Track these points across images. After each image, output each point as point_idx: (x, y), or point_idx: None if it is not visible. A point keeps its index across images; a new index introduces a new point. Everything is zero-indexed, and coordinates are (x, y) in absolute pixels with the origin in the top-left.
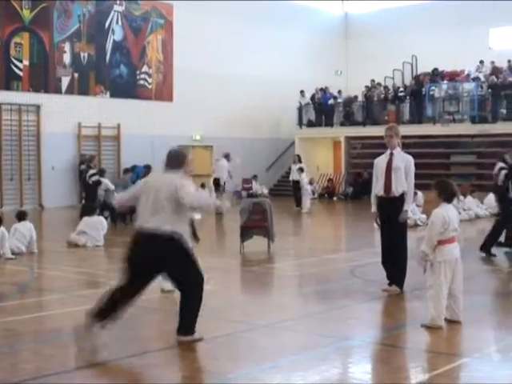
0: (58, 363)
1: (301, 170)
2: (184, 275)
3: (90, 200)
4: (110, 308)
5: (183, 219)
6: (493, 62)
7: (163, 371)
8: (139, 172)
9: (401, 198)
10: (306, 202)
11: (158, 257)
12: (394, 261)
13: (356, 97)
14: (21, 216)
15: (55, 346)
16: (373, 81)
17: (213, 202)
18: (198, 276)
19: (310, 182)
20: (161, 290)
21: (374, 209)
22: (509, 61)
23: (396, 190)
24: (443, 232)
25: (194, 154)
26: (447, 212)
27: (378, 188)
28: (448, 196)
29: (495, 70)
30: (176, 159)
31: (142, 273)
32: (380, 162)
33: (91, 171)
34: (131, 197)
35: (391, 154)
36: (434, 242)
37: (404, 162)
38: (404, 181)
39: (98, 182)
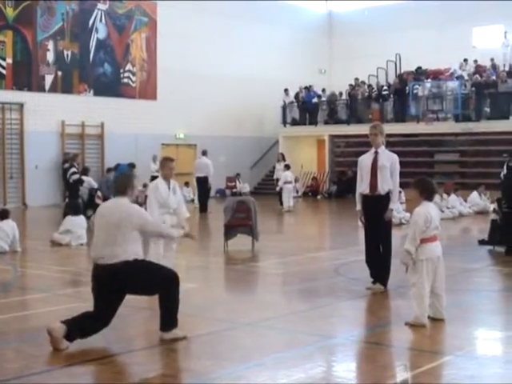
0: (41, 362)
1: (287, 167)
2: (148, 286)
3: (72, 198)
4: (79, 330)
5: (134, 240)
6: (476, 61)
7: (147, 370)
8: (122, 170)
9: (386, 197)
10: (286, 200)
11: (118, 286)
12: (379, 259)
13: (341, 93)
14: (3, 214)
15: (39, 345)
16: (357, 79)
17: (166, 232)
18: (163, 279)
19: (295, 180)
20: None
21: (358, 207)
22: (492, 59)
23: (382, 188)
24: (425, 230)
25: (178, 152)
26: (429, 210)
27: (363, 186)
28: (429, 194)
29: (478, 69)
30: (122, 185)
31: (109, 299)
32: (365, 161)
33: (72, 169)
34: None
35: (376, 153)
36: (418, 241)
37: (389, 160)
38: (389, 179)
39: (79, 181)
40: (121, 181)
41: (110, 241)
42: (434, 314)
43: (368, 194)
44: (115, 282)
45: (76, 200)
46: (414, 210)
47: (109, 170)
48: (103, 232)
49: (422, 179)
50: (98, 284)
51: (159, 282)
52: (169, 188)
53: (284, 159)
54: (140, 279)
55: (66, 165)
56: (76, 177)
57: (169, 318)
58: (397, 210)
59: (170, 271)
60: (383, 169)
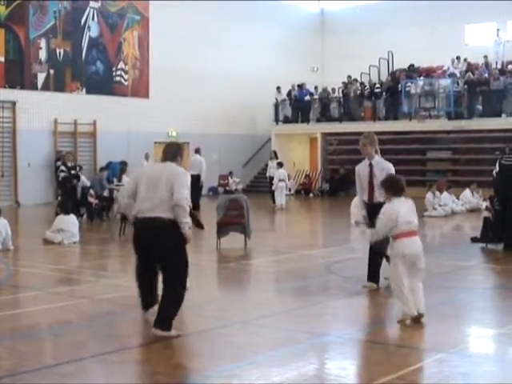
0: (33, 360)
1: (280, 164)
2: (172, 262)
3: (63, 197)
4: (144, 291)
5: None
6: (465, 59)
7: (139, 368)
8: (115, 168)
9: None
10: (279, 198)
11: (156, 241)
12: (375, 262)
13: (334, 90)
14: None
15: (31, 343)
16: (349, 77)
17: (187, 227)
18: (182, 269)
19: (288, 178)
20: None
21: (364, 213)
22: (485, 56)
23: (379, 197)
24: (395, 226)
25: None
26: (395, 207)
27: (364, 195)
28: (396, 191)
29: (470, 67)
30: (173, 151)
31: (147, 256)
32: (362, 171)
33: (61, 167)
34: (130, 194)
35: (370, 165)
36: (380, 236)
37: (384, 172)
38: None
39: (66, 179)
40: (172, 148)
41: (157, 197)
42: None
43: (367, 202)
44: (156, 234)
45: (67, 198)
46: (383, 207)
47: (101, 169)
48: (151, 189)
49: (388, 177)
50: (139, 238)
51: (178, 268)
52: None
53: (277, 157)
54: (173, 249)
55: (59, 163)
56: (63, 175)
57: (166, 317)
58: None
59: (186, 279)
60: (377, 182)
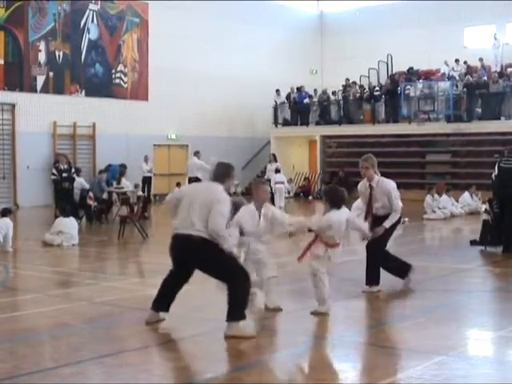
0: (32, 363)
1: (277, 170)
2: (217, 269)
3: (56, 199)
4: (165, 293)
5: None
6: (466, 62)
7: (138, 370)
8: (114, 171)
9: (386, 216)
10: (277, 200)
11: (190, 256)
12: (371, 263)
13: (334, 92)
14: (4, 212)
15: (30, 346)
16: (347, 80)
17: (227, 243)
18: (234, 270)
19: (288, 181)
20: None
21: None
22: (481, 59)
23: (377, 213)
24: (333, 236)
25: (170, 153)
26: (336, 217)
27: (367, 212)
28: (335, 202)
29: (469, 69)
30: (222, 173)
31: (181, 265)
32: (363, 192)
33: (52, 170)
34: (176, 199)
35: (370, 187)
36: (305, 230)
37: (384, 194)
38: (387, 206)
39: (56, 182)
40: (222, 169)
41: (194, 215)
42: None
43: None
44: (189, 251)
45: (60, 201)
46: (324, 216)
47: (100, 171)
48: (191, 206)
49: (330, 189)
50: (174, 251)
51: (227, 270)
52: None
53: (276, 160)
54: (212, 259)
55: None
56: (53, 178)
57: (233, 311)
58: None
59: (243, 269)
60: (377, 203)
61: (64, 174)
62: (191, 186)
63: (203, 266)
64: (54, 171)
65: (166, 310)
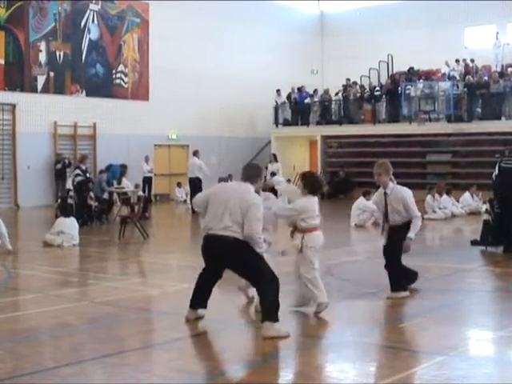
0: (33, 362)
1: (273, 174)
2: (247, 269)
3: (79, 201)
4: (199, 290)
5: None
6: (464, 60)
7: (138, 371)
8: (115, 171)
9: (401, 225)
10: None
11: (222, 257)
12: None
13: (337, 93)
14: None
15: (31, 346)
16: (348, 80)
17: (261, 247)
18: (263, 271)
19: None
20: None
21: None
22: (472, 60)
23: (394, 221)
24: (307, 219)
25: (170, 153)
26: (311, 202)
27: (381, 219)
28: (313, 190)
29: (468, 69)
30: (253, 173)
31: (213, 265)
32: (379, 200)
33: (77, 171)
34: (204, 200)
35: (385, 194)
36: (283, 216)
37: (400, 201)
38: (402, 214)
39: (82, 183)
40: (252, 169)
41: (226, 216)
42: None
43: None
44: (223, 252)
45: (81, 203)
46: (297, 200)
47: (101, 171)
48: (222, 208)
49: (309, 175)
50: (207, 250)
51: (257, 272)
52: None
53: (276, 160)
54: (244, 260)
55: (59, 165)
56: (79, 179)
57: (267, 311)
58: None
59: (271, 271)
60: (395, 211)
61: (88, 175)
62: (221, 185)
63: (235, 266)
64: (79, 172)
65: (204, 306)
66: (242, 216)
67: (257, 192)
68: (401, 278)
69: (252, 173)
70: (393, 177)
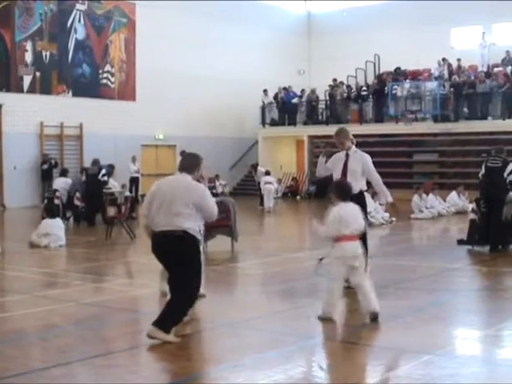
0: (21, 364)
1: (267, 172)
2: (184, 271)
3: (97, 200)
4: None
5: (190, 216)
6: (446, 60)
7: (126, 372)
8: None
9: (358, 195)
10: (268, 201)
11: (171, 253)
12: None
13: (326, 94)
14: None
15: (18, 347)
16: (335, 80)
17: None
18: (193, 279)
19: (279, 182)
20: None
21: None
22: (458, 60)
23: (353, 189)
24: (339, 229)
25: (157, 153)
26: (339, 210)
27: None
28: (343, 196)
29: (453, 69)
30: (189, 164)
31: (165, 262)
32: (337, 160)
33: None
34: (148, 203)
35: (347, 155)
36: (331, 235)
37: (361, 163)
38: (360, 180)
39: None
40: (190, 159)
41: (171, 210)
42: (366, 309)
43: None
44: (171, 247)
45: (97, 202)
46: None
47: (83, 170)
48: (166, 202)
49: (337, 183)
50: (155, 251)
51: (189, 279)
52: None
53: (256, 170)
54: (185, 257)
55: (45, 166)
56: (104, 179)
57: (165, 321)
58: (376, 209)
59: (199, 286)
60: (353, 172)
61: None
62: (160, 181)
63: (176, 260)
64: (105, 172)
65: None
66: (186, 207)
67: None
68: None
69: (190, 162)
70: (354, 140)
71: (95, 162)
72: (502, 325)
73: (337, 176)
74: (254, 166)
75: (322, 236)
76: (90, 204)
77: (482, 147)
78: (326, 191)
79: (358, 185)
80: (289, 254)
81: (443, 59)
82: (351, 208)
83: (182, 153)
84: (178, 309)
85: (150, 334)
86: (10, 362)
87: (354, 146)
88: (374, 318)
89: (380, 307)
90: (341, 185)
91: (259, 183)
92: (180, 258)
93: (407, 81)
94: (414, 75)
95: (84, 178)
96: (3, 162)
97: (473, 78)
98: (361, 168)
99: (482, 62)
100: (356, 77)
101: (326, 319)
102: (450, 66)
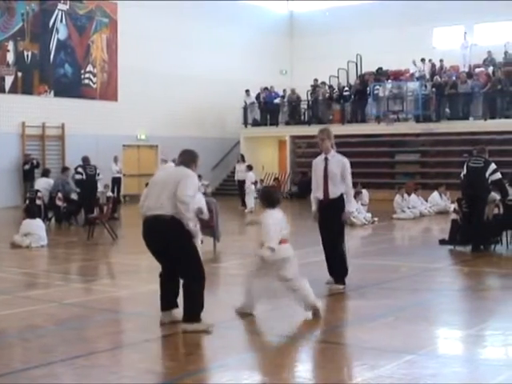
0: (2, 365)
1: (249, 168)
2: (180, 257)
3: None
4: (165, 291)
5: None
6: (430, 60)
7: (108, 372)
8: None
9: (338, 199)
10: (249, 201)
11: (161, 239)
12: (335, 260)
13: (309, 94)
14: None
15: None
16: (316, 80)
17: (189, 222)
18: (191, 261)
19: (256, 182)
20: None
21: (314, 208)
22: (441, 60)
23: (333, 193)
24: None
25: (139, 153)
26: (274, 216)
27: (318, 192)
28: (270, 203)
29: (434, 69)
30: (188, 158)
31: (157, 252)
32: (318, 166)
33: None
34: (143, 197)
35: (326, 159)
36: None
37: (339, 166)
38: (340, 183)
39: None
40: (187, 154)
41: (162, 195)
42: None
43: (322, 200)
44: (161, 232)
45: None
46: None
47: (63, 170)
48: (158, 189)
49: (264, 191)
50: (146, 237)
51: (192, 266)
52: None
53: (244, 160)
54: (181, 245)
55: (27, 166)
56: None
57: (190, 313)
58: (358, 209)
59: (203, 268)
60: (333, 176)
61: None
62: (159, 170)
63: (172, 250)
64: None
65: (175, 305)
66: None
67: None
68: (346, 267)
69: (187, 158)
70: (334, 145)
71: (86, 160)
72: (484, 324)
73: (318, 180)
74: (242, 156)
75: (270, 255)
76: (88, 204)
77: (464, 147)
78: (310, 191)
79: (338, 189)
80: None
81: (422, 59)
82: (279, 214)
83: (174, 161)
84: (193, 295)
85: (184, 331)
86: None
87: (333, 151)
88: (315, 314)
89: (362, 307)
90: (268, 193)
91: (239, 181)
92: (168, 241)
93: (389, 81)
94: (396, 75)
95: (83, 177)
96: None
97: (454, 78)
98: (340, 172)
99: (464, 62)
100: (338, 77)
101: (244, 313)
102: (433, 66)
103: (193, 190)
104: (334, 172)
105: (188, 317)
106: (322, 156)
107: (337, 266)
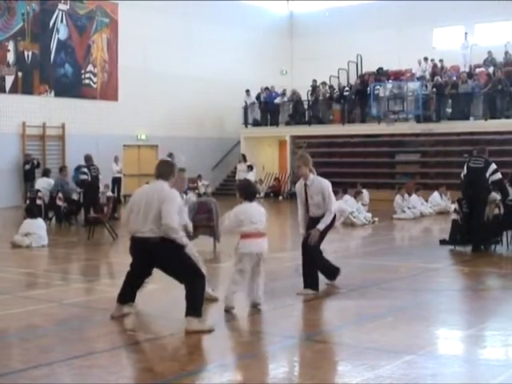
0: (1, 365)
1: (250, 167)
2: (175, 267)
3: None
4: (128, 289)
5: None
6: (433, 60)
7: (107, 372)
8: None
9: (321, 217)
10: None
11: (149, 257)
12: (309, 265)
13: (309, 93)
14: None
15: None
16: (314, 81)
17: (181, 240)
18: (189, 268)
19: (256, 182)
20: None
21: (302, 231)
22: (441, 60)
23: (318, 214)
24: (242, 225)
25: (140, 153)
26: (248, 209)
27: (302, 212)
28: (247, 195)
29: (435, 69)
30: (165, 171)
31: (141, 264)
32: (299, 191)
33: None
34: (128, 211)
35: (305, 185)
36: (232, 230)
37: (319, 192)
38: (321, 206)
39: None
40: (164, 166)
41: (148, 217)
42: (253, 300)
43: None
44: (150, 252)
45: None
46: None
47: (61, 170)
48: (142, 209)
49: (241, 184)
50: (134, 253)
51: (186, 270)
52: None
53: (245, 160)
54: (172, 259)
55: (27, 166)
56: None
57: (191, 308)
58: (358, 210)
59: (197, 268)
60: (314, 201)
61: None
62: (138, 190)
63: (162, 265)
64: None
65: (132, 300)
66: (159, 214)
67: (176, 189)
68: (317, 276)
69: (163, 169)
70: (313, 168)
71: (89, 159)
72: (484, 325)
73: (301, 205)
74: (244, 156)
75: (225, 230)
76: (90, 204)
77: (464, 147)
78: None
79: (320, 210)
80: (270, 254)
81: (425, 58)
82: (255, 208)
83: (170, 155)
84: (196, 292)
85: (187, 330)
86: None
87: (311, 175)
88: (255, 306)
89: (361, 307)
90: (245, 186)
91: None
92: (161, 261)
93: (389, 81)
94: (396, 75)
95: (88, 177)
96: None
97: (455, 78)
98: (321, 196)
99: (464, 62)
100: (338, 77)
101: (228, 310)
102: (435, 65)
103: (177, 210)
104: (314, 197)
105: (193, 310)
106: (302, 182)
107: (310, 273)
